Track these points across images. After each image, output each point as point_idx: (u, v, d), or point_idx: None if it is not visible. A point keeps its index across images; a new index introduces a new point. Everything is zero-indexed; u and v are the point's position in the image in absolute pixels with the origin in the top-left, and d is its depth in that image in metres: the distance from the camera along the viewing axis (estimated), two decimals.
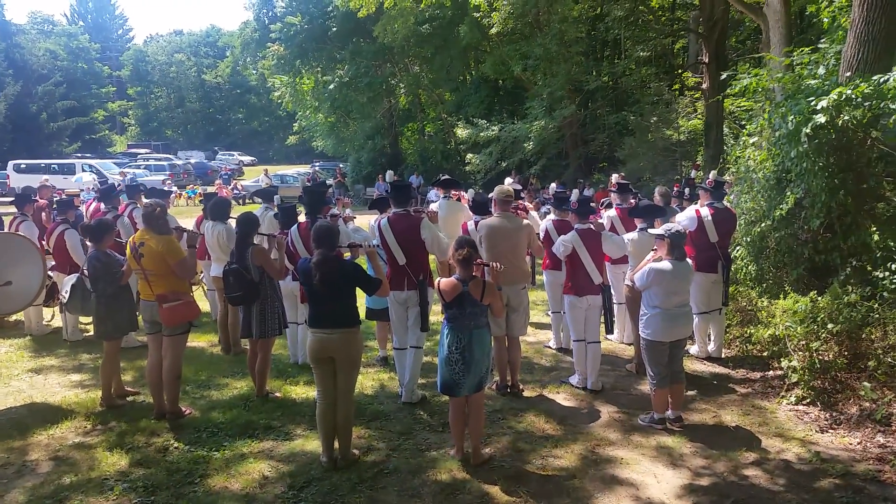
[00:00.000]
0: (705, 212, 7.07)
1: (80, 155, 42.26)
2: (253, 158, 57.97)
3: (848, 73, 7.03)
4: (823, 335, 6.01)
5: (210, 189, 25.47)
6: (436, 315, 6.70)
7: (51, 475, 4.75)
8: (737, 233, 7.86)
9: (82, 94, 56.46)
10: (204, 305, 8.86)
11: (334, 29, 28.78)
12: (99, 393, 6.09)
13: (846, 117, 6.42)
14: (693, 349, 7.34)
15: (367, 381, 6.62)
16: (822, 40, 8.54)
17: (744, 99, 10.77)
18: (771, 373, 6.75)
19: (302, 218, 6.98)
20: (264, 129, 68.70)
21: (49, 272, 7.72)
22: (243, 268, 5.88)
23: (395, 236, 5.95)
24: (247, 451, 5.09)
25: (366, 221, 8.53)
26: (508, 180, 19.26)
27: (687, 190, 9.39)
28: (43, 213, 10.10)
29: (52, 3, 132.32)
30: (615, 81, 24.12)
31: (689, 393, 6.20)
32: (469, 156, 25.23)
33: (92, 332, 6.73)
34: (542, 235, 7.10)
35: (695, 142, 20.86)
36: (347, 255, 5.34)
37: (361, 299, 5.27)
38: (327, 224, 4.95)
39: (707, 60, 18.61)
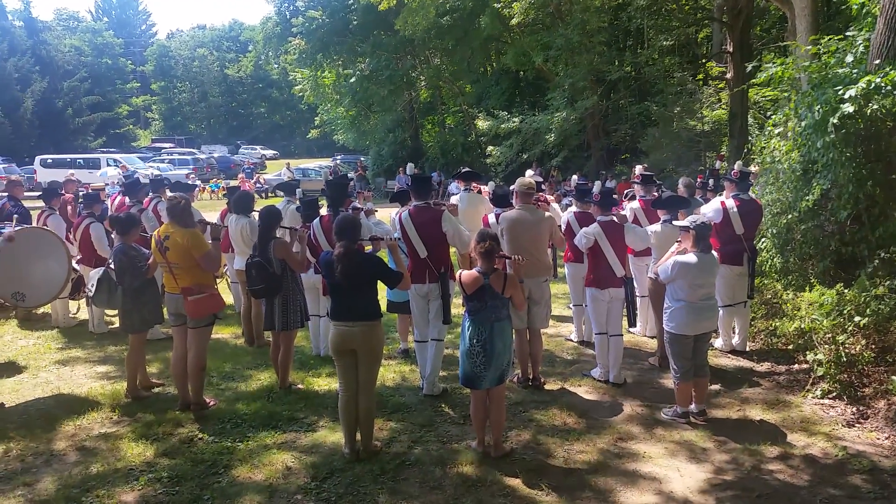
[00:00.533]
0: (731, 203, 6.99)
1: (104, 150, 42.87)
2: (275, 152, 58.38)
3: (877, 61, 6.87)
4: (850, 328, 5.92)
5: (233, 183, 25.65)
6: (457, 308, 6.69)
7: (78, 465, 4.83)
8: (762, 224, 7.76)
9: (107, 90, 57.25)
10: (228, 298, 8.94)
11: (355, 22, 28.79)
12: (124, 384, 6.17)
13: (875, 106, 6.29)
14: (717, 343, 7.26)
15: (389, 373, 6.64)
16: (850, 28, 8.37)
17: (769, 89, 10.60)
18: (796, 366, 6.67)
19: (324, 211, 7.01)
20: (286, 123, 69.22)
21: (75, 265, 7.83)
22: (265, 261, 5.91)
23: (416, 229, 5.95)
24: (270, 443, 5.14)
25: (387, 215, 8.54)
26: (529, 172, 19.14)
27: (711, 181, 9.27)
28: (69, 207, 10.25)
29: None
30: (638, 71, 23.88)
31: (713, 387, 6.14)
32: (490, 148, 25.12)
33: (118, 325, 6.82)
34: (563, 227, 7.06)
35: (719, 132, 20.59)
36: (369, 248, 5.35)
37: (382, 292, 5.27)
38: (350, 216, 4.96)
39: (731, 50, 18.35)
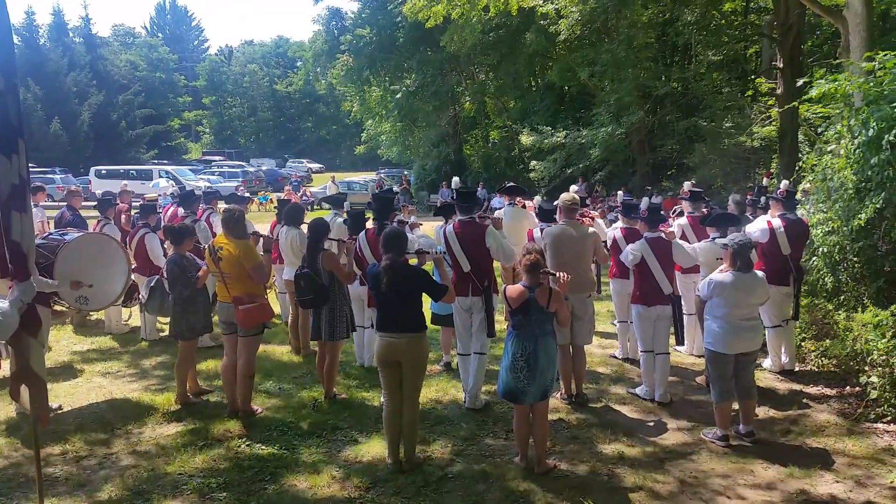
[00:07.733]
0: (777, 223, 6.87)
1: (156, 161, 44.04)
2: (321, 165, 59.12)
3: None
4: None
5: (281, 195, 26.09)
6: (499, 323, 6.70)
7: (130, 468, 4.97)
8: (813, 243, 7.60)
9: (160, 103, 58.89)
10: (275, 308, 9.09)
11: (402, 39, 29.14)
12: (174, 391, 6.33)
13: None
14: (766, 363, 7.13)
15: (431, 386, 6.67)
16: None
17: (820, 105, 10.40)
18: (848, 389, 6.49)
19: (370, 224, 7.10)
20: (332, 138, 70.19)
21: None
22: (314, 272, 6.02)
23: (460, 244, 6.00)
24: (315, 451, 5.22)
25: (430, 228, 8.61)
26: (574, 188, 19.09)
27: (763, 199, 9.12)
28: (123, 217, 10.57)
29: (134, 15, 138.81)
30: (685, 87, 23.59)
31: (762, 408, 6.02)
32: (533, 163, 25.11)
33: (168, 332, 7.00)
34: (609, 243, 7.02)
35: (769, 149, 20.20)
36: (414, 261, 5.41)
37: (426, 304, 5.32)
38: (396, 229, 5.03)
39: (781, 66, 18.02)
